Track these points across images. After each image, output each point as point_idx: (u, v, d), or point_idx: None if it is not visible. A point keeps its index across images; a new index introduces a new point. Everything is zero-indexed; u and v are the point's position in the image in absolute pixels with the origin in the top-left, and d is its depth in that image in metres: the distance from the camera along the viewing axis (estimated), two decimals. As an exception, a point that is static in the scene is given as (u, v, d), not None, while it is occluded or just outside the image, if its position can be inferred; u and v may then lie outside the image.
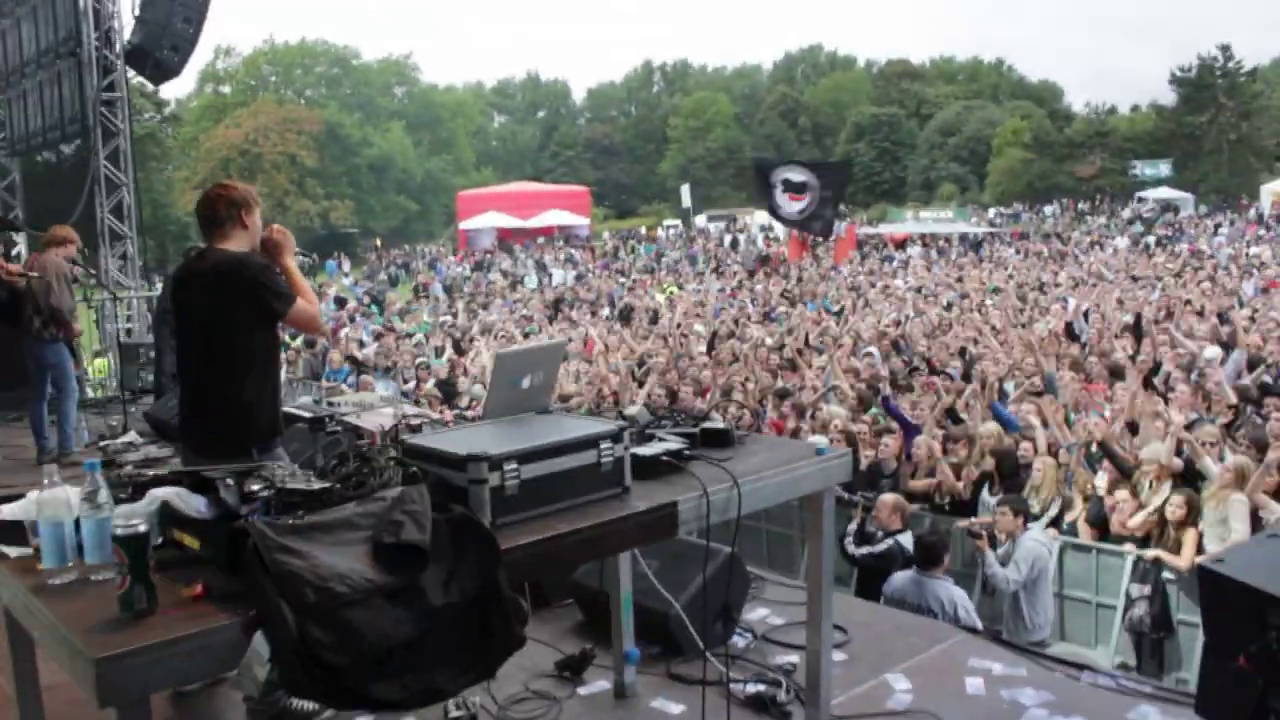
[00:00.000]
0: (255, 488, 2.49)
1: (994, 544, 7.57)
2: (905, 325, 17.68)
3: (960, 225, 47.07)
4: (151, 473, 2.80)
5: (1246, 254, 30.36)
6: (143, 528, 2.25)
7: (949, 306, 20.41)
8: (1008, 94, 78.68)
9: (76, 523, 2.46)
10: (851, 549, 7.93)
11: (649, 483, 3.15)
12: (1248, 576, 3.59)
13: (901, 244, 42.06)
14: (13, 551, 2.64)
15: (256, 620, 2.22)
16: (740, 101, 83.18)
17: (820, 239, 34.04)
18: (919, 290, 24.05)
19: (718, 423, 3.64)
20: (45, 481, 2.54)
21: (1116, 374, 11.50)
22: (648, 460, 3.20)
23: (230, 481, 2.59)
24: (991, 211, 54.81)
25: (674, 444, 3.35)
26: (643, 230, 56.75)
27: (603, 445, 2.99)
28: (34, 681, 2.97)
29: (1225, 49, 57.17)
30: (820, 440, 6.23)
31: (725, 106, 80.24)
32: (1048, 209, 53.54)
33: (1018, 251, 36.53)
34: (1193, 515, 7.42)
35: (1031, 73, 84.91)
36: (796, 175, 20.84)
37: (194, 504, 2.53)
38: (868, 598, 7.13)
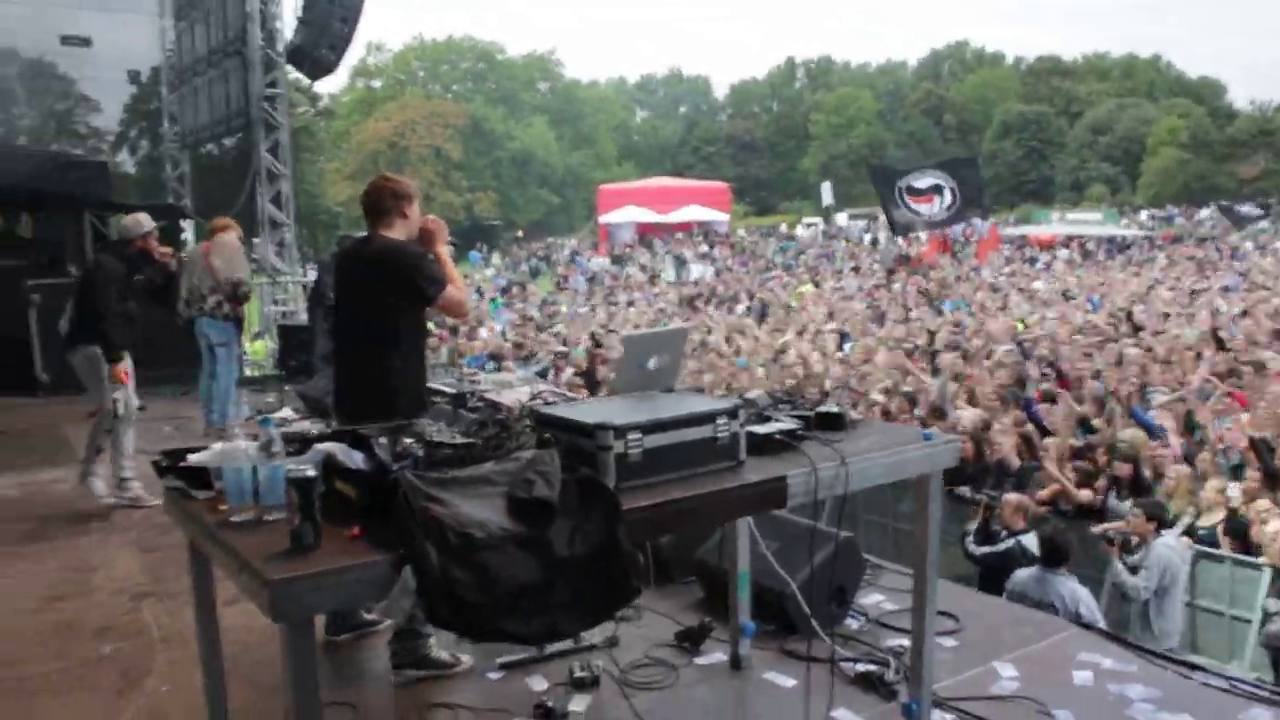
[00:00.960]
0: (408, 442, 2.82)
1: (1126, 550, 7.53)
2: (1043, 328, 17.40)
3: (1109, 228, 45.75)
4: (316, 430, 3.16)
5: None
6: (311, 473, 2.59)
7: (1093, 310, 20.00)
8: (1164, 91, 75.87)
9: (253, 470, 2.81)
10: (973, 548, 7.98)
11: (762, 458, 3.36)
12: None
13: (1047, 246, 41.10)
14: (200, 494, 3.03)
15: (405, 558, 2.53)
16: (884, 98, 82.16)
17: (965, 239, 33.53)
18: (1063, 294, 23.59)
19: (833, 408, 3.82)
20: (228, 436, 2.95)
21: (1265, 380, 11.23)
22: (762, 437, 3.41)
23: (384, 440, 2.92)
24: (1144, 214, 53.08)
25: (788, 424, 3.57)
26: (782, 227, 56.58)
27: (719, 420, 3.22)
28: (211, 601, 3.46)
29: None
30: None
31: (868, 103, 79.37)
32: (1204, 211, 51.56)
33: (1168, 257, 35.40)
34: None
35: (1191, 69, 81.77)
36: (922, 180, 20.59)
37: (353, 458, 2.87)
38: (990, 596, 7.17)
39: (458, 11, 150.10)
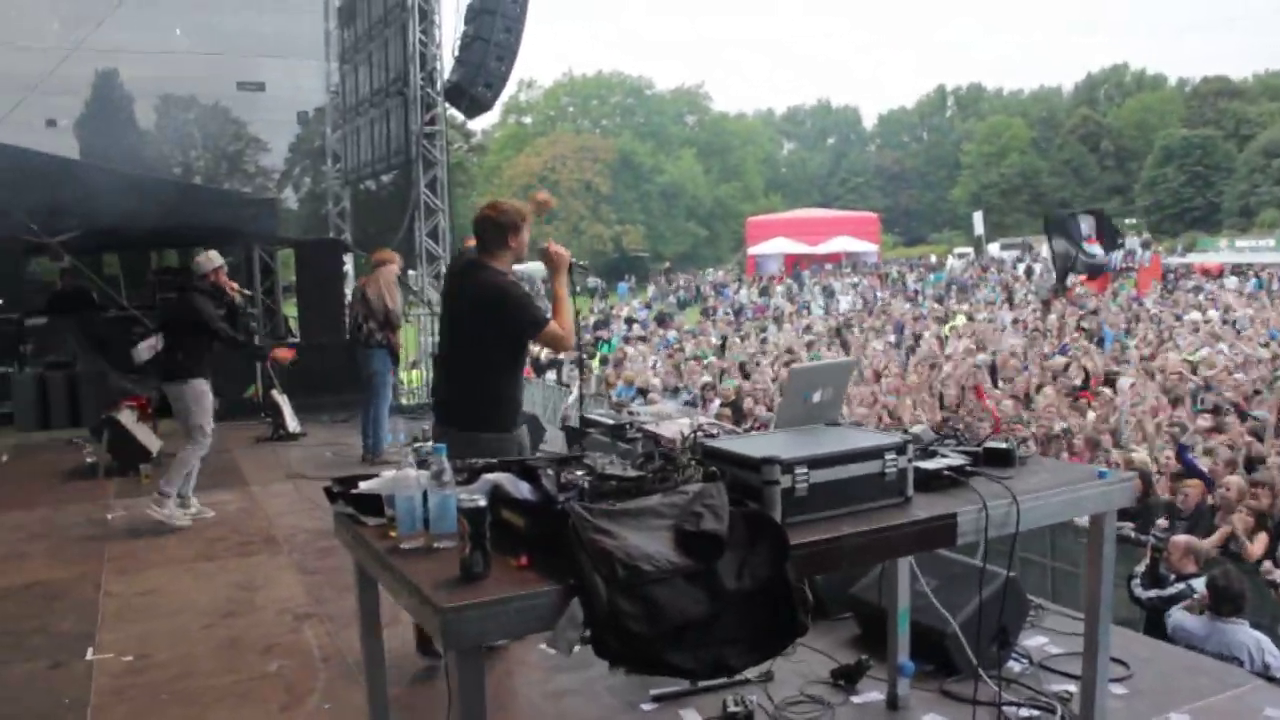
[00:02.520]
0: (577, 473, 2.85)
1: None
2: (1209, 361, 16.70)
3: (1283, 255, 43.68)
4: (483, 461, 3.22)
5: None
6: (482, 503, 2.63)
7: (1267, 343, 19.10)
8: (1346, 109, 72.13)
9: (424, 499, 2.87)
10: (1139, 591, 7.67)
11: (930, 494, 3.30)
12: None
13: (1216, 275, 39.43)
14: (371, 520, 3.11)
15: (573, 589, 2.55)
16: (1037, 125, 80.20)
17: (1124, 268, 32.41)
18: (1233, 325, 22.61)
19: (1001, 443, 3.73)
20: (397, 465, 3.03)
21: None
22: (930, 473, 3.35)
23: (550, 471, 2.95)
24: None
25: (956, 460, 3.49)
26: (931, 258, 55.68)
27: (887, 456, 3.17)
28: (377, 623, 3.55)
29: None
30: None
31: (1021, 131, 77.64)
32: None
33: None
34: None
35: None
36: (1082, 224, 20.35)
37: (520, 488, 2.90)
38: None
39: (608, 48, 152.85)
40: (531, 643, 4.86)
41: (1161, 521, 9.01)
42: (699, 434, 3.60)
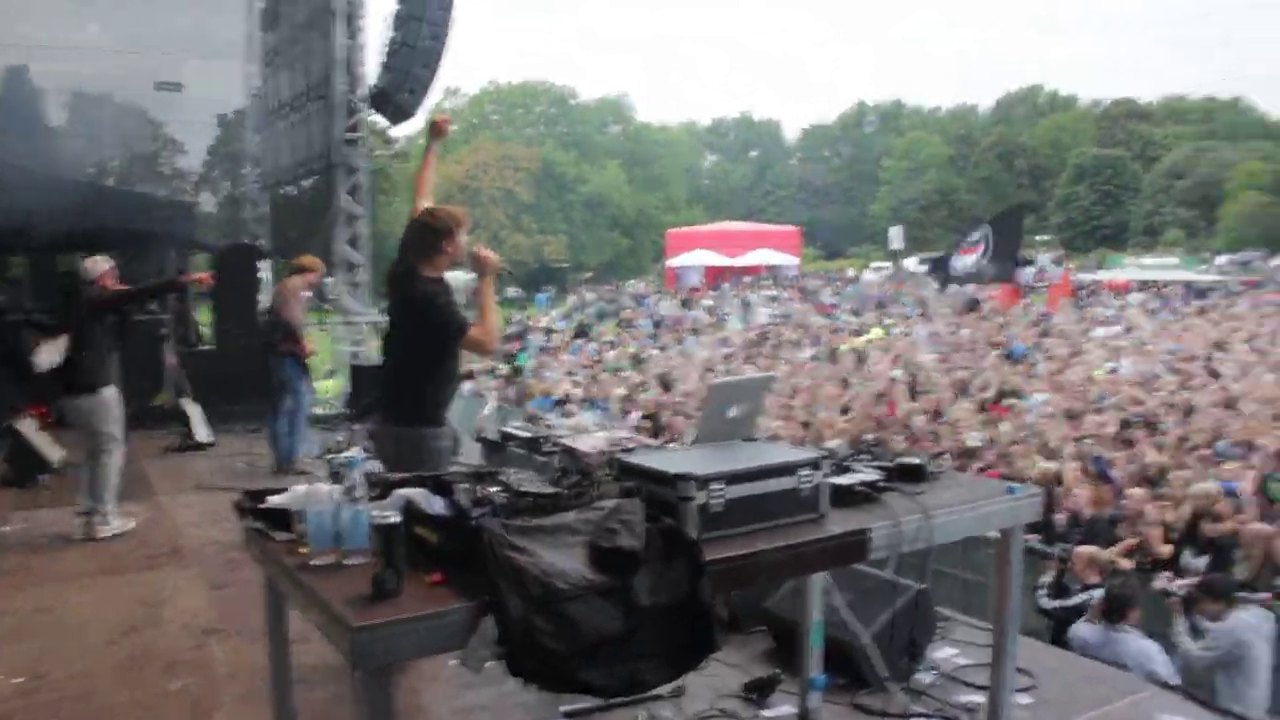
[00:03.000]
0: (492, 490, 2.83)
1: (1189, 609, 7.30)
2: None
3: (1186, 273, 44.94)
4: (397, 476, 3.19)
5: None
6: (395, 519, 2.60)
7: (1169, 360, 19.63)
8: (1245, 134, 74.54)
9: (335, 514, 2.83)
10: (1045, 602, 7.83)
11: (845, 510, 3.33)
12: None
13: (1124, 291, 40.46)
14: (281, 536, 3.06)
15: (487, 606, 2.53)
16: (955, 143, 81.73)
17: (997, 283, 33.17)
18: (1139, 342, 23.21)
19: (913, 459, 3.78)
20: (309, 478, 2.98)
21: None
22: (844, 489, 3.38)
23: (465, 486, 2.93)
24: (1222, 258, 52.08)
25: (870, 475, 3.53)
26: (849, 271, 56.38)
27: (802, 472, 3.20)
28: (285, 641, 3.51)
29: None
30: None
31: (939, 148, 79.08)
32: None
33: (1251, 303, 34.67)
34: None
35: (1276, 110, 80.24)
36: (974, 233, 20.79)
37: (434, 503, 2.88)
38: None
39: (533, 57, 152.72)
40: (442, 658, 4.82)
41: (1060, 516, 9.22)
42: (615, 449, 3.61)
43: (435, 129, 5.70)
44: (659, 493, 3.01)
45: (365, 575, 2.60)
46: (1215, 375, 16.35)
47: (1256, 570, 8.07)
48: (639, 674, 2.69)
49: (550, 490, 2.89)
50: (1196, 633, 7.10)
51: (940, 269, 23.31)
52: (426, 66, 15.50)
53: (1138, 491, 9.14)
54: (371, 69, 15.78)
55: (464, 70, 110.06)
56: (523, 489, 2.85)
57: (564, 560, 2.65)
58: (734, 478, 3.04)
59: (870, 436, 12.04)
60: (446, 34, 15.66)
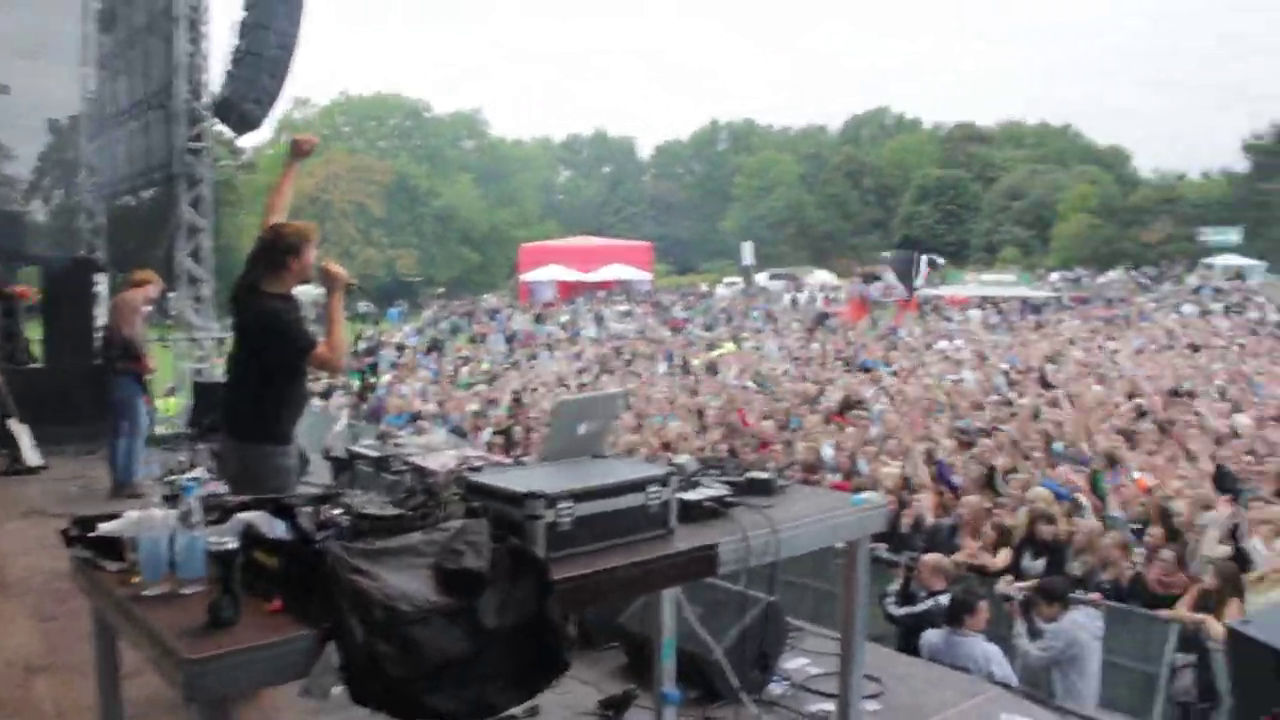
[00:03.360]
0: (334, 513, 2.75)
1: (1027, 611, 7.59)
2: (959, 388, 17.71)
3: (1022, 289, 46.85)
4: (238, 499, 3.08)
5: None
6: (232, 545, 2.51)
7: (1007, 371, 20.41)
8: (1075, 158, 78.25)
9: (170, 541, 2.71)
10: (893, 609, 8.02)
11: (693, 525, 3.35)
12: (1272, 638, 3.70)
13: (963, 306, 41.98)
14: (112, 565, 2.91)
15: (329, 633, 2.46)
16: (805, 161, 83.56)
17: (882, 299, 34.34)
18: (979, 354, 24.06)
19: (762, 473, 3.83)
20: (143, 503, 2.84)
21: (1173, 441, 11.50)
22: (692, 504, 3.40)
23: (308, 509, 2.85)
24: (1055, 276, 54.51)
25: (718, 490, 3.56)
26: (702, 287, 57.11)
27: (650, 488, 3.20)
28: (115, 677, 3.32)
29: (1300, 117, 56.73)
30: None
31: (790, 166, 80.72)
32: (1111, 274, 53.16)
33: (1081, 318, 36.32)
34: (1235, 585, 7.39)
35: (1100, 137, 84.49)
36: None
37: (275, 527, 2.79)
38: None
39: (386, 68, 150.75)
40: (287, 685, 4.67)
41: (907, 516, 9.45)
42: (464, 467, 3.56)
43: (297, 148, 5.67)
44: (506, 512, 2.98)
45: (201, 604, 2.50)
46: (1047, 385, 17.06)
47: (1088, 569, 8.45)
48: (487, 696, 2.64)
49: (392, 512, 2.82)
50: (1035, 634, 7.38)
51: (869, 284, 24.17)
52: (274, 76, 15.07)
53: (972, 499, 9.43)
54: (215, 77, 15.29)
55: (314, 80, 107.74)
56: (364, 511, 2.78)
57: (409, 583, 2.60)
58: (582, 495, 3.02)
59: (721, 449, 12.19)
60: (295, 43, 15.25)
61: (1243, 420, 12.77)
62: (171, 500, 2.87)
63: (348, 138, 74.73)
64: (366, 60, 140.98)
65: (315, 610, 2.51)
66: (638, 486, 3.18)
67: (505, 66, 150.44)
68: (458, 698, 2.59)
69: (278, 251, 4.77)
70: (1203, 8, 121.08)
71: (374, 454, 4.40)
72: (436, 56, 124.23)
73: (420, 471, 4.25)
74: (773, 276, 56.54)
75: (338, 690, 2.49)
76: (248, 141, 57.52)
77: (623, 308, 44.74)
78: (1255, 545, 7.65)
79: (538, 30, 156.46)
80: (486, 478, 3.23)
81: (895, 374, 20.86)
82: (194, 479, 2.88)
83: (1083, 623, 7.34)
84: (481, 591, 2.66)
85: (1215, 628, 7.21)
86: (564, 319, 42.12)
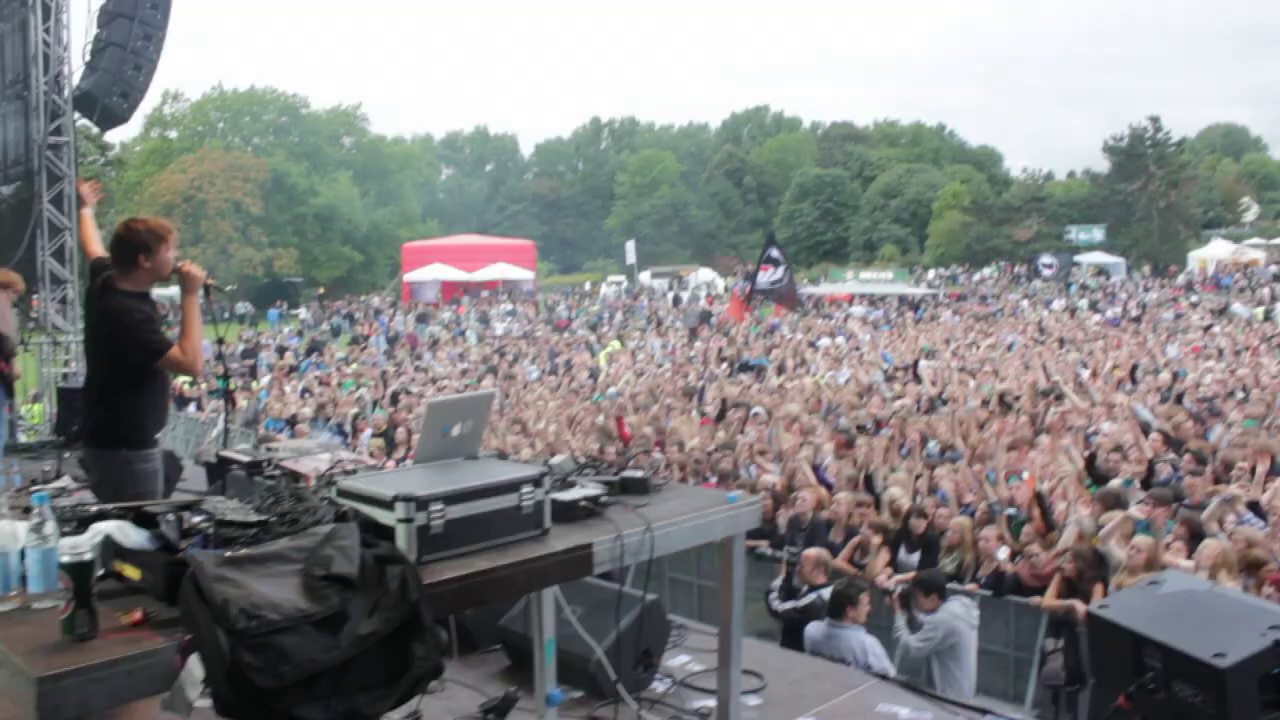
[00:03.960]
0: (196, 520, 2.67)
1: (907, 604, 7.76)
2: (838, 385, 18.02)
3: (900, 286, 47.90)
4: (96, 508, 2.97)
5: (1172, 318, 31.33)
6: (88, 556, 2.42)
7: (886, 370, 20.82)
8: (949, 158, 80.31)
9: (21, 553, 2.61)
10: (776, 604, 8.12)
11: (568, 525, 3.36)
12: (1128, 620, 3.85)
13: (844, 303, 42.80)
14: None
15: (191, 644, 2.39)
16: (687, 160, 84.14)
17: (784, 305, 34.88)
18: (856, 350, 24.52)
19: (637, 472, 3.84)
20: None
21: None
22: (566, 504, 3.40)
23: (171, 517, 2.76)
24: (931, 273, 55.90)
25: (593, 490, 3.56)
26: (586, 286, 57.14)
27: (524, 489, 3.19)
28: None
29: (1155, 120, 58.98)
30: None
31: (672, 164, 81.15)
32: (985, 271, 54.75)
33: (955, 313, 37.30)
34: (1096, 570, 7.64)
35: (973, 138, 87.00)
36: (772, 251, 21.92)
37: (136, 537, 2.70)
38: (793, 650, 7.29)
39: (261, 62, 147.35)
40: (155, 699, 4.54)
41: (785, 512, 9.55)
42: (335, 471, 3.50)
43: (80, 196, 5.77)
44: (377, 516, 2.94)
45: (55, 620, 2.41)
46: (919, 381, 17.47)
47: (961, 563, 8.66)
48: (358, 705, 2.59)
49: (254, 518, 2.75)
50: (914, 626, 7.55)
51: (749, 281, 24.29)
52: (138, 68, 14.57)
53: (844, 496, 9.59)
54: (78, 68, 14.72)
55: (186, 74, 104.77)
56: (225, 518, 2.71)
57: (276, 590, 2.53)
58: (453, 498, 3.00)
59: (603, 449, 12.19)
60: (162, 35, 14.77)
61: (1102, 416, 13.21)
62: (26, 511, 2.76)
63: (222, 134, 72.67)
64: (242, 53, 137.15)
65: (178, 622, 2.44)
66: (511, 488, 3.16)
67: (384, 63, 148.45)
68: (328, 706, 2.53)
69: (127, 247, 4.65)
70: (1066, 16, 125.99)
71: (246, 459, 4.27)
72: (314, 51, 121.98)
73: (294, 475, 4.15)
74: (655, 275, 56.82)
75: (203, 704, 2.42)
76: (116, 136, 55.69)
77: (506, 307, 44.51)
78: (1111, 547, 7.91)
79: (417, 26, 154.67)
80: (356, 481, 3.18)
81: (780, 371, 21.14)
82: (59, 489, 2.77)
83: (959, 613, 7.50)
84: (351, 597, 2.61)
85: (1082, 611, 7.44)
86: (444, 317, 41.74)
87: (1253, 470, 9.18)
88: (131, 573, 2.65)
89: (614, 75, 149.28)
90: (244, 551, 2.63)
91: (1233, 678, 3.35)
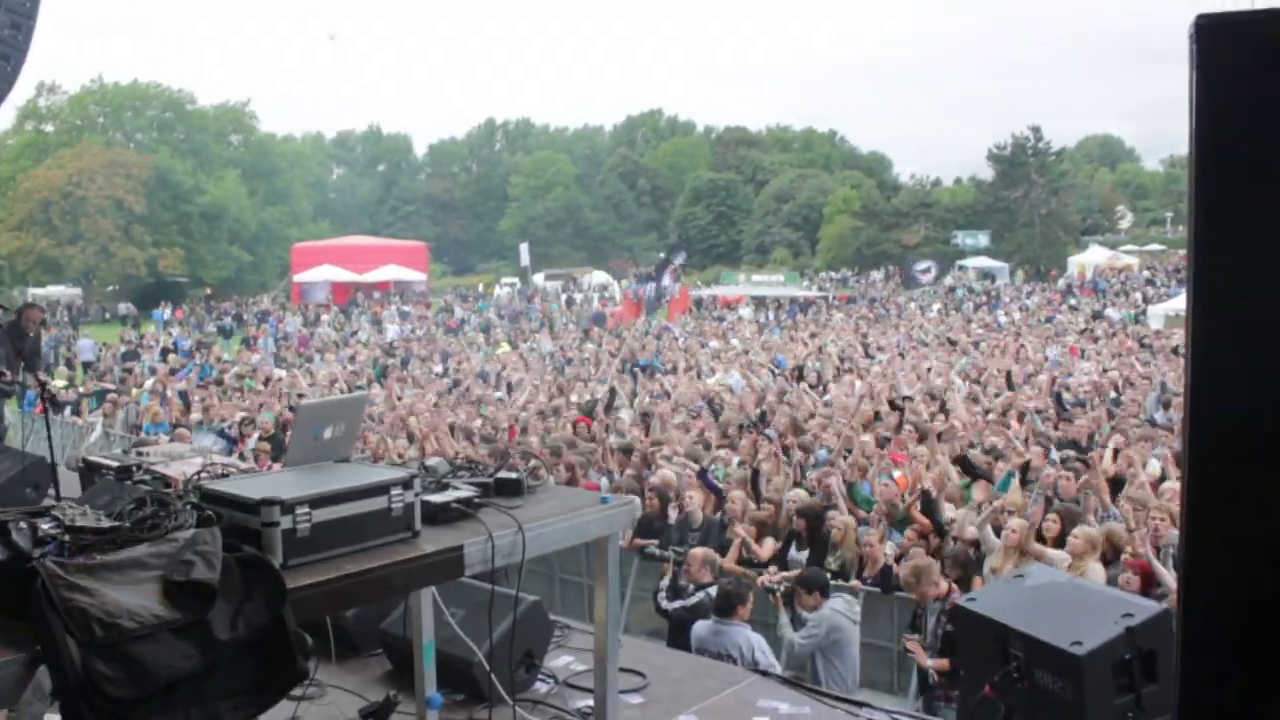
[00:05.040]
0: (46, 527, 2.60)
1: (790, 602, 7.89)
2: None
3: (791, 289, 48.61)
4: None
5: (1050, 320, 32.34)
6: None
7: (779, 369, 21.09)
8: (840, 164, 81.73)
9: None
10: (665, 603, 8.18)
11: (439, 528, 3.35)
12: (994, 612, 3.97)
13: (735, 305, 43.29)
14: None
15: (40, 657, 2.32)
16: (581, 162, 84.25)
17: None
18: (745, 352, 24.78)
19: (510, 474, 3.85)
20: None
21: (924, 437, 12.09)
22: (437, 506, 3.39)
23: (24, 525, 2.67)
24: (822, 275, 56.85)
25: (465, 492, 3.56)
26: (480, 287, 56.85)
27: (393, 491, 3.17)
28: None
29: (1036, 130, 60.86)
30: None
31: (566, 167, 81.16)
32: (874, 274, 55.87)
33: (848, 316, 37.97)
34: (970, 567, 7.87)
35: (863, 144, 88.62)
36: (678, 258, 22.28)
37: (-15, 546, 2.61)
38: (681, 649, 7.35)
39: (144, 55, 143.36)
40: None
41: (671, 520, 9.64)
42: (203, 475, 3.44)
43: None
44: (242, 519, 2.90)
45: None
46: (800, 380, 17.75)
47: (845, 561, 8.84)
48: (219, 713, 2.55)
49: (107, 524, 2.68)
50: (798, 623, 7.67)
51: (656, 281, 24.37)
52: (5, 58, 14.03)
53: (736, 495, 9.71)
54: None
55: (63, 65, 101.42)
56: (75, 524, 2.63)
57: (132, 598, 2.48)
58: (320, 500, 2.97)
59: (489, 451, 12.13)
60: (32, 23, 14.27)
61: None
62: None
63: (103, 129, 70.40)
64: (125, 47, 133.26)
65: (26, 633, 2.37)
66: (379, 490, 3.14)
67: (274, 60, 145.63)
68: (188, 716, 2.49)
69: None
70: (955, 27, 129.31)
71: (114, 464, 4.17)
72: (200, 46, 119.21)
73: (164, 481, 4.07)
74: (549, 277, 56.80)
75: (52, 717, 2.36)
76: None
77: (399, 308, 44.05)
78: (987, 533, 8.16)
79: (309, 25, 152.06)
80: (222, 485, 3.13)
81: (671, 372, 21.27)
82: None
83: (842, 609, 7.63)
84: (212, 604, 2.57)
85: (960, 605, 7.62)
86: (328, 319, 41.14)
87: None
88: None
89: (509, 77, 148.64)
90: (99, 559, 2.56)
91: (1088, 664, 3.49)
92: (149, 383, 23.08)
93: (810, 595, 7.71)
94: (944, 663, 7.04)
